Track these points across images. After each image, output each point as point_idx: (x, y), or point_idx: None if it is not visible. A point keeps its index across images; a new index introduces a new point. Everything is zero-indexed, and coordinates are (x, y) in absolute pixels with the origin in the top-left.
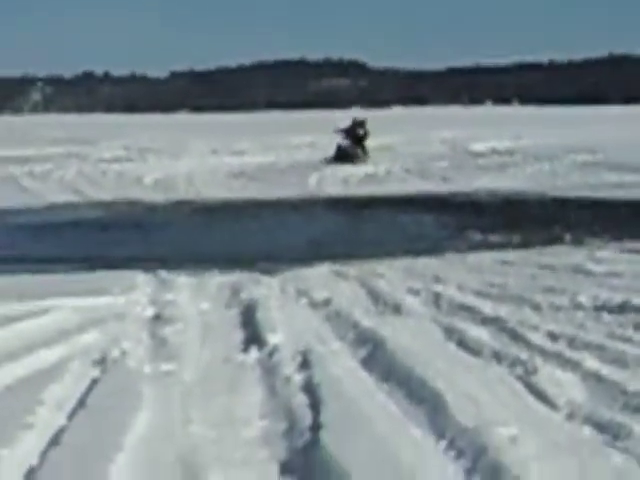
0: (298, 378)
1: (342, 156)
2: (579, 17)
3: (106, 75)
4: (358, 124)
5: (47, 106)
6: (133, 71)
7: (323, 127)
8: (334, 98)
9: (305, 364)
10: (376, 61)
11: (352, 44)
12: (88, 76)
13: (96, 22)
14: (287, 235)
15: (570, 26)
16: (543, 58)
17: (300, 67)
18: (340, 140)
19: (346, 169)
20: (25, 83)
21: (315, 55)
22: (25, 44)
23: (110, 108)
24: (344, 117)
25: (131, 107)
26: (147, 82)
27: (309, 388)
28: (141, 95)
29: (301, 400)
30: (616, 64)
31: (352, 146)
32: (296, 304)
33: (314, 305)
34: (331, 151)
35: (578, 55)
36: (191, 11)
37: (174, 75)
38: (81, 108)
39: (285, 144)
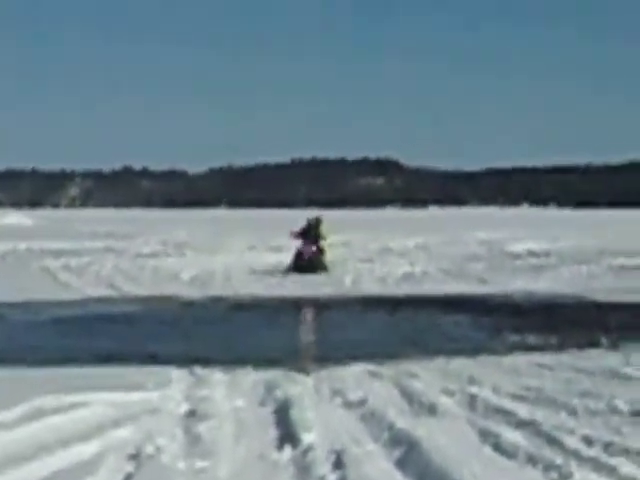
0: (332, 478)
1: (302, 264)
2: (615, 121)
3: (145, 170)
4: (314, 225)
5: (85, 200)
6: (172, 166)
7: (358, 226)
8: (371, 196)
9: (339, 464)
10: (411, 160)
11: (388, 143)
12: (127, 171)
13: (134, 117)
14: (322, 334)
15: (607, 129)
16: (580, 161)
17: (337, 165)
18: (299, 245)
19: (383, 269)
20: (63, 177)
21: (352, 153)
22: (63, 139)
23: (148, 203)
24: (377, 216)
25: (169, 202)
26: (186, 178)
27: None
28: (180, 190)
29: None
30: None
31: (314, 252)
32: (330, 403)
33: (349, 405)
34: (353, 253)
35: (615, 158)
36: (230, 108)
37: (213, 171)
38: (119, 203)
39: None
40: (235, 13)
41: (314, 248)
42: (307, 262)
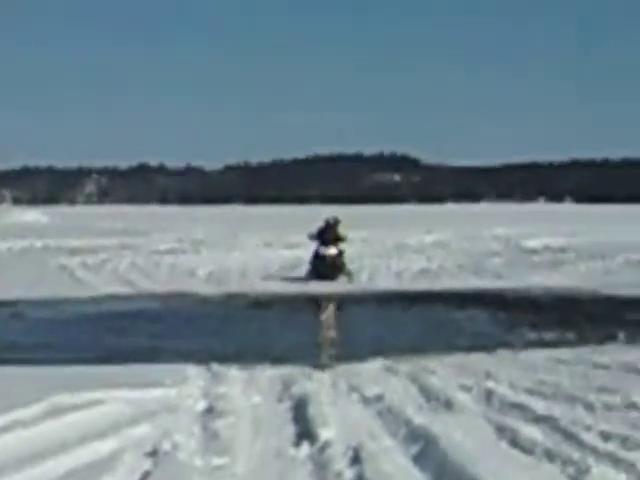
0: (350, 474)
1: (323, 269)
2: (634, 115)
3: (161, 167)
4: (332, 225)
5: (102, 197)
6: (188, 163)
7: (375, 222)
8: (387, 193)
9: (357, 460)
10: (429, 156)
11: (405, 139)
12: (143, 167)
13: (151, 114)
14: (338, 330)
15: (625, 124)
16: (597, 156)
17: (354, 162)
18: (318, 247)
19: (400, 264)
20: (80, 174)
21: (369, 150)
22: (81, 136)
23: (165, 200)
24: (394, 212)
25: (186, 199)
26: (202, 174)
27: None
28: (196, 187)
29: None
30: None
31: (335, 255)
32: (348, 399)
33: (366, 401)
34: (370, 249)
35: (632, 153)
36: (245, 105)
37: (229, 168)
38: (136, 200)
39: None
40: (250, 11)
41: (334, 251)
42: (329, 267)
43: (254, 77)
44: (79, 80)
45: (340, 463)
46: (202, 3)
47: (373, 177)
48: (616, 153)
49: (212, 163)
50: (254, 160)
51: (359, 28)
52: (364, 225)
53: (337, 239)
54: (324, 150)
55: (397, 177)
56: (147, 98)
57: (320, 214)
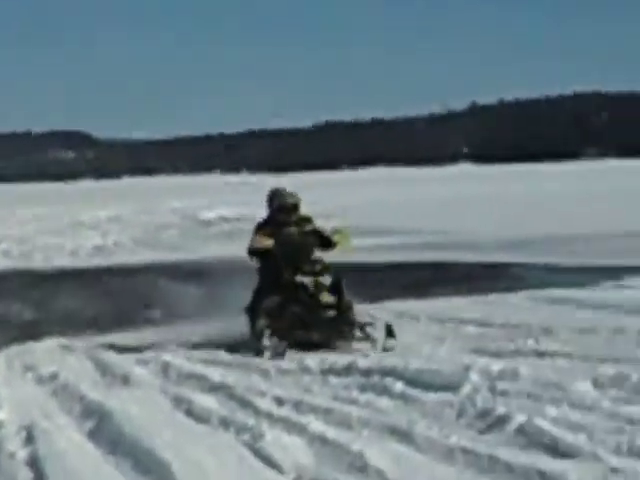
0: (22, 454)
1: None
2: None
3: None
4: (292, 205)
5: None
6: None
7: (51, 199)
8: (62, 170)
9: (30, 439)
10: (102, 132)
11: (78, 116)
12: None
13: None
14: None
15: (292, 93)
16: (270, 126)
17: (24, 139)
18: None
19: (75, 242)
20: None
21: (40, 127)
22: None
23: None
24: (72, 189)
25: None
26: None
27: (34, 463)
28: None
29: (25, 476)
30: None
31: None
32: (22, 379)
33: (40, 380)
34: (44, 227)
35: (304, 122)
36: None
37: None
38: None
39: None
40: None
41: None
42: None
43: None
44: None
45: (13, 443)
46: None
47: (46, 154)
48: (288, 122)
49: None
50: None
51: None
52: (38, 202)
53: (326, 243)
54: None
55: (71, 154)
56: None
57: None
